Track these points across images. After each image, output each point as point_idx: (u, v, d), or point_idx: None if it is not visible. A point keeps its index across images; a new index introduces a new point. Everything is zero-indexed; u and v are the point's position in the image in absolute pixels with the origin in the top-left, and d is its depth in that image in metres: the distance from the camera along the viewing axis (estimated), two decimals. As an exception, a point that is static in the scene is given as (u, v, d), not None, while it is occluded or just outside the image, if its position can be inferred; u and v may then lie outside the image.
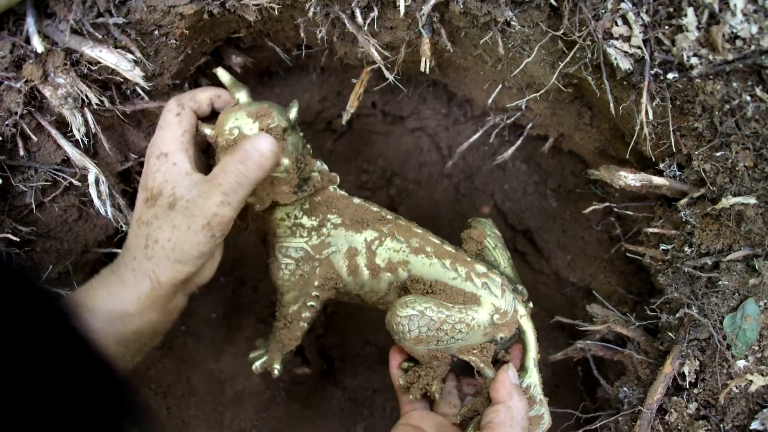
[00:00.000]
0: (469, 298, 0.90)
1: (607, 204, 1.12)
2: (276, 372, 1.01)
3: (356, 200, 0.97)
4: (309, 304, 0.98)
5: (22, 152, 0.98)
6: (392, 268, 0.94)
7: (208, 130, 0.90)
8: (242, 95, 0.91)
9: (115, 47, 0.93)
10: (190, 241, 0.84)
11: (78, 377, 0.44)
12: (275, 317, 1.01)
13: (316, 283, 0.96)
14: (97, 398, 0.45)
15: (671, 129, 0.93)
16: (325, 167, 0.96)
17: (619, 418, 1.02)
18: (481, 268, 0.92)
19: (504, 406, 0.88)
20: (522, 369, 0.96)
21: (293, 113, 0.91)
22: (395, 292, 0.95)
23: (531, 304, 0.98)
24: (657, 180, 0.99)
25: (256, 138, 0.83)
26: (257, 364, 1.03)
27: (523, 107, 1.12)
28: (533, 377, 0.95)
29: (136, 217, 0.89)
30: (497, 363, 0.96)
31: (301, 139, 0.92)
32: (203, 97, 0.94)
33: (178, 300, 0.92)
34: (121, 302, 0.87)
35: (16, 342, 0.40)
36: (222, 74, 0.93)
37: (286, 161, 0.87)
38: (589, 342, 1.09)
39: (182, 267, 0.85)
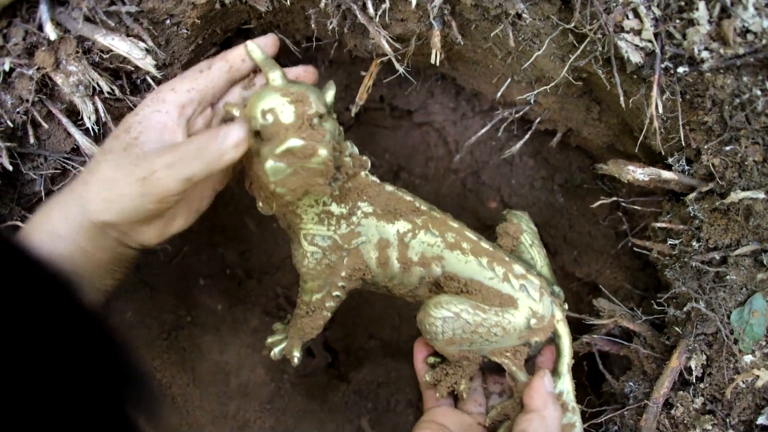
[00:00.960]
0: (506, 301, 0.87)
1: (615, 199, 1.12)
2: (296, 360, 0.99)
3: (389, 187, 0.92)
4: (334, 294, 0.94)
5: (32, 140, 0.98)
6: (425, 263, 0.90)
7: (236, 111, 0.83)
8: (276, 75, 0.83)
9: (127, 35, 0.94)
10: (121, 188, 0.80)
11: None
12: (297, 304, 0.98)
13: (343, 274, 0.92)
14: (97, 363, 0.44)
15: (681, 123, 0.93)
16: (356, 150, 0.92)
17: (625, 413, 1.02)
18: (519, 268, 0.89)
19: (538, 415, 0.86)
20: (555, 374, 0.93)
21: (330, 96, 0.85)
22: (426, 287, 0.92)
23: (566, 306, 0.96)
24: (665, 174, 0.99)
25: (230, 132, 0.79)
26: (276, 350, 1.00)
27: (532, 101, 1.12)
28: (566, 383, 0.93)
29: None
30: (528, 362, 0.94)
31: (337, 124, 0.85)
32: (235, 54, 0.90)
33: (112, 240, 0.86)
34: (52, 218, 0.84)
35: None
36: (253, 49, 0.88)
37: (323, 152, 0.77)
38: (595, 336, 1.09)
39: (109, 206, 0.81)
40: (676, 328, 0.99)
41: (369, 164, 0.91)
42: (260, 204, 0.92)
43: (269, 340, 1.02)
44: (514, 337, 0.88)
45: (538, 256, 0.96)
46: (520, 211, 1.01)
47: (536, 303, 0.88)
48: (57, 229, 0.83)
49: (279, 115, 0.78)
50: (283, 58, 1.30)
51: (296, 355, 0.99)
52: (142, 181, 0.79)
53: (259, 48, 0.87)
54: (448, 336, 0.86)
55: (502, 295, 0.88)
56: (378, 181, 0.92)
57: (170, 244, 1.32)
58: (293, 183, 0.80)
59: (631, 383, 1.05)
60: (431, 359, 0.97)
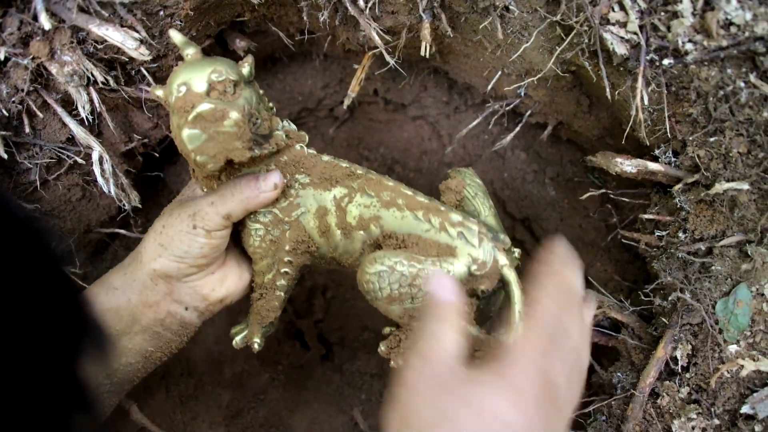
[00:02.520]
0: (443, 250, 0.84)
1: (604, 191, 1.13)
2: (256, 346, 0.99)
3: (325, 157, 0.92)
4: (282, 270, 0.94)
5: (27, 129, 1.00)
6: (364, 225, 0.89)
7: (159, 92, 0.85)
8: (191, 51, 0.85)
9: (121, 26, 0.95)
10: (175, 227, 0.89)
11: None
12: (252, 289, 0.99)
13: (287, 248, 0.93)
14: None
15: (666, 115, 0.94)
16: (293, 127, 0.92)
17: (612, 402, 1.03)
18: (456, 217, 0.86)
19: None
20: (506, 324, 0.87)
21: (246, 69, 0.85)
22: (369, 251, 0.90)
23: (517, 253, 0.91)
24: (652, 166, 1.00)
25: (271, 174, 0.88)
26: (237, 338, 1.01)
27: (522, 94, 1.13)
28: (520, 332, 0.84)
29: None
30: (487, 322, 0.92)
31: (260, 95, 0.87)
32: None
33: (162, 295, 0.93)
34: (112, 274, 0.94)
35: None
36: (174, 34, 0.87)
37: (234, 114, 0.78)
38: (583, 327, 1.10)
39: (162, 251, 0.90)
40: (663, 319, 1.00)
41: (306, 138, 0.92)
42: (201, 186, 0.94)
43: (232, 330, 1.03)
44: None
45: (482, 206, 0.93)
46: (465, 167, 0.99)
47: (475, 249, 0.84)
48: (113, 282, 0.93)
49: (191, 86, 0.80)
50: (277, 51, 1.31)
51: (257, 341, 0.99)
52: (191, 217, 0.88)
53: (179, 35, 0.88)
54: (386, 292, 0.84)
55: (440, 245, 0.85)
56: (315, 152, 0.92)
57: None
58: (211, 149, 0.80)
59: (619, 374, 1.05)
60: (386, 329, 0.95)
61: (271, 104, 0.90)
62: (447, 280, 0.71)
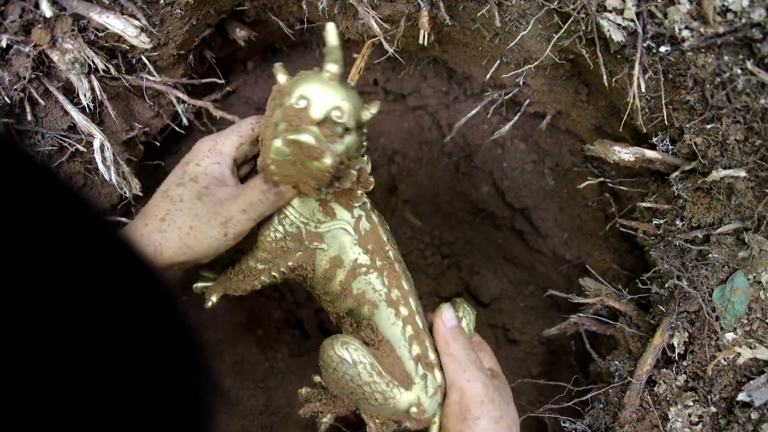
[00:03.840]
0: (403, 378, 0.89)
1: (602, 179, 1.14)
2: (209, 303, 1.00)
3: (374, 218, 0.94)
4: (272, 274, 0.95)
5: (29, 117, 1.00)
6: (361, 302, 0.92)
7: (282, 78, 0.84)
8: (333, 69, 0.78)
9: (122, 14, 0.96)
10: (205, 232, 0.89)
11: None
12: (240, 258, 1.00)
13: (290, 264, 0.93)
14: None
15: (664, 102, 0.94)
16: (368, 167, 0.90)
17: (610, 390, 1.03)
18: (432, 357, 0.91)
19: (449, 357, 0.90)
20: None
21: (367, 115, 0.83)
22: (349, 318, 0.94)
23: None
24: (650, 154, 1.00)
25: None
26: (199, 284, 1.03)
27: (521, 83, 1.13)
28: None
29: (163, 189, 0.94)
30: None
31: (361, 141, 0.85)
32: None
33: (171, 273, 0.94)
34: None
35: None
36: (330, 31, 0.78)
37: (328, 162, 0.77)
38: (582, 315, 1.11)
39: (188, 251, 0.90)
40: (660, 307, 1.00)
41: (371, 186, 0.91)
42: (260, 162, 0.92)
43: (201, 273, 1.05)
44: (390, 411, 0.90)
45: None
46: (458, 298, 1.03)
47: (426, 397, 0.89)
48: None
49: (310, 107, 0.77)
50: (278, 41, 1.32)
51: (213, 299, 1.00)
52: (224, 225, 0.89)
53: (336, 34, 0.81)
54: (336, 376, 0.88)
55: (404, 372, 0.89)
56: (369, 206, 0.93)
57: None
58: (288, 171, 0.82)
59: (616, 362, 1.06)
60: (317, 378, 0.99)
61: (365, 144, 0.88)
62: (449, 311, 0.94)
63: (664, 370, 0.98)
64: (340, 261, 0.92)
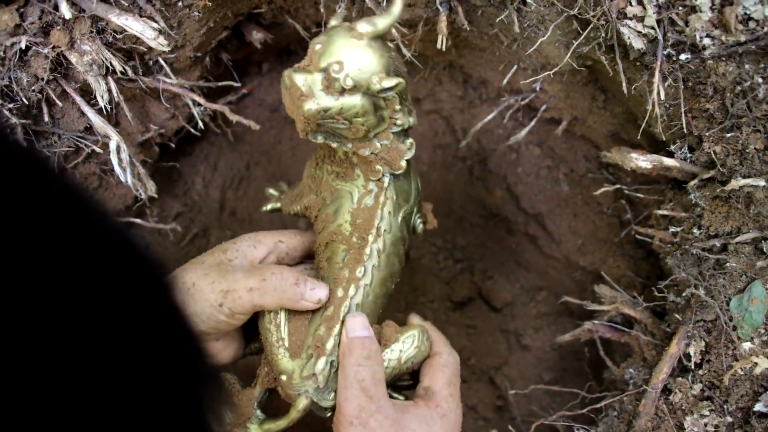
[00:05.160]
0: (295, 348, 0.89)
1: (618, 186, 1.13)
2: (263, 208, 1.06)
3: (383, 199, 0.91)
4: (296, 206, 0.99)
5: (46, 118, 1.01)
6: (325, 265, 0.92)
7: (335, 20, 0.82)
8: (364, 25, 0.77)
9: (140, 16, 0.96)
10: (203, 294, 0.87)
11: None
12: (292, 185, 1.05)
13: (304, 202, 0.96)
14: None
15: (683, 110, 0.94)
16: (408, 151, 0.88)
17: (624, 398, 1.03)
18: (329, 347, 0.87)
19: (342, 372, 0.86)
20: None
21: (377, 85, 0.78)
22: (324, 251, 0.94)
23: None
24: (668, 161, 1.00)
25: (319, 289, 0.87)
26: (268, 207, 1.07)
27: (538, 89, 1.13)
28: None
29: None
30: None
31: (372, 110, 0.81)
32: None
33: None
34: None
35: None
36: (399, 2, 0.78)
37: (305, 107, 0.78)
38: (596, 322, 1.10)
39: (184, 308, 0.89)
40: (676, 315, 1.00)
41: (398, 170, 0.88)
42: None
43: (268, 193, 1.09)
44: (271, 366, 0.91)
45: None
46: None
47: (299, 376, 0.87)
48: None
49: (322, 53, 0.78)
50: (293, 44, 1.32)
51: (268, 207, 1.06)
52: (224, 293, 0.86)
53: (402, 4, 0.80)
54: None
55: (299, 341, 0.89)
56: (386, 185, 0.90)
57: (179, 224, 1.35)
58: (287, 103, 0.83)
59: (631, 370, 1.05)
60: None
61: (399, 119, 0.84)
62: (359, 319, 0.87)
63: (680, 378, 0.97)
64: (332, 219, 0.92)
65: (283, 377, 0.88)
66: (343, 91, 0.78)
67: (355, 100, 0.79)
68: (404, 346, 0.91)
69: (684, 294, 0.98)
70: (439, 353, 0.92)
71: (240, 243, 0.95)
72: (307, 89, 0.77)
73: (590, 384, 1.13)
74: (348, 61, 0.76)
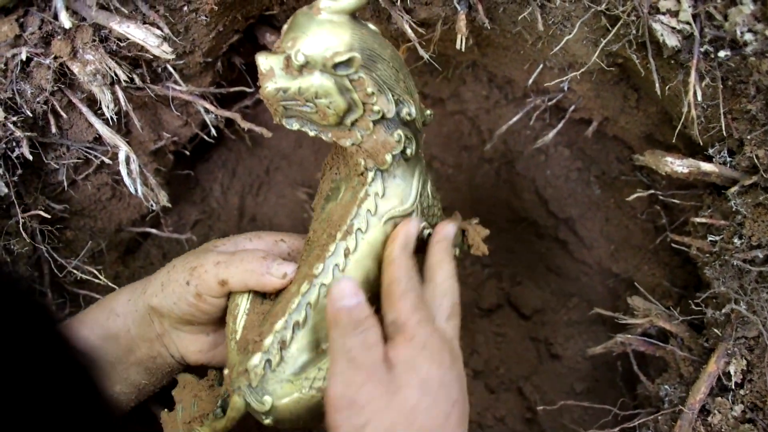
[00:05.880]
0: (245, 342, 0.82)
1: (653, 192, 1.07)
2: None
3: (362, 196, 0.83)
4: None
5: (54, 129, 0.98)
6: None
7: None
8: (323, 0, 0.74)
9: (144, 23, 0.92)
10: (177, 272, 0.86)
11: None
12: None
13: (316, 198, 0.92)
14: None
15: (722, 111, 0.87)
16: (389, 139, 0.79)
17: (659, 417, 0.97)
18: (266, 344, 0.79)
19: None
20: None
21: (333, 58, 0.73)
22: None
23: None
24: (705, 166, 0.93)
25: (286, 264, 0.83)
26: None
27: (565, 88, 1.07)
28: None
29: None
30: None
31: (340, 90, 0.75)
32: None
33: (155, 336, 0.90)
34: (117, 297, 0.92)
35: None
36: None
37: (264, 88, 0.75)
38: (629, 336, 1.05)
39: (159, 291, 0.87)
40: (716, 330, 0.94)
41: (384, 166, 0.81)
42: None
43: None
44: None
45: None
46: None
47: (235, 371, 0.81)
48: (116, 308, 0.90)
49: (286, 28, 0.76)
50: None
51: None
52: (191, 270, 0.84)
53: None
54: None
55: (250, 336, 0.82)
56: (368, 183, 0.82)
57: (198, 233, 1.32)
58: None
59: (666, 386, 1.00)
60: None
61: (377, 105, 0.77)
62: (346, 284, 0.72)
63: (720, 398, 0.91)
64: (318, 215, 0.88)
65: (226, 371, 0.83)
66: (301, 70, 0.74)
67: (313, 79, 0.75)
68: None
69: (724, 309, 0.92)
70: (395, 279, 0.77)
71: (238, 236, 0.92)
72: (268, 69, 0.75)
73: (623, 400, 1.08)
74: (301, 36, 0.73)
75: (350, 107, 0.77)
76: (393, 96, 0.78)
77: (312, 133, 0.81)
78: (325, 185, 0.90)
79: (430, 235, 0.86)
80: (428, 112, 0.86)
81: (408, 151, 0.81)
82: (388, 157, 0.80)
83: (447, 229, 0.84)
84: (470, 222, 0.94)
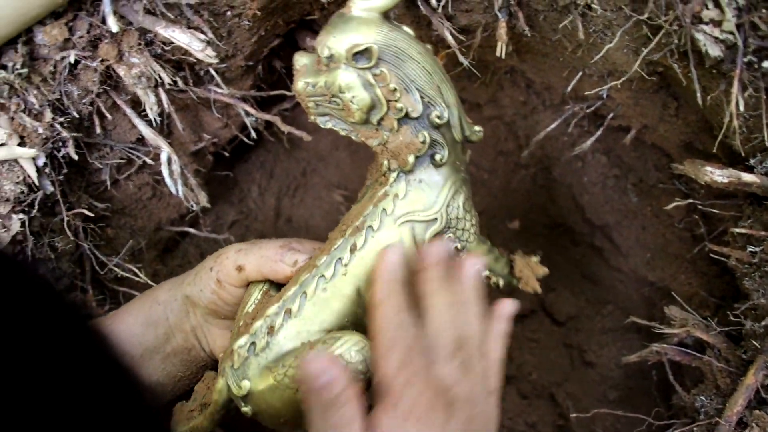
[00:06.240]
0: (245, 324, 0.81)
1: (691, 201, 1.06)
2: None
3: (380, 196, 0.81)
4: None
5: (98, 130, 1.01)
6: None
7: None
8: (376, 2, 0.75)
9: (188, 27, 0.94)
10: (205, 264, 0.88)
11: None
12: None
13: None
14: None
15: (764, 122, 0.86)
16: (414, 139, 0.77)
17: (694, 428, 0.96)
18: (256, 326, 0.79)
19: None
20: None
21: (352, 47, 0.73)
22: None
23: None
24: (746, 177, 0.92)
25: (297, 253, 0.83)
26: None
27: (605, 96, 1.06)
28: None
29: None
30: None
31: (362, 86, 0.75)
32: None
33: (189, 328, 0.91)
34: (162, 286, 0.93)
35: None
36: None
37: (297, 85, 0.78)
38: (665, 346, 1.04)
39: (193, 279, 0.88)
40: (754, 342, 0.93)
41: (407, 166, 0.79)
42: None
43: None
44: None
45: None
46: None
47: (225, 354, 0.81)
48: (159, 296, 0.91)
49: (323, 28, 0.77)
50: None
51: None
52: (216, 257, 0.87)
53: None
54: None
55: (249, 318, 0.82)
56: (391, 184, 0.81)
57: (235, 233, 1.34)
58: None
59: (702, 397, 0.99)
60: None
61: (400, 102, 0.76)
62: (318, 363, 0.65)
63: (758, 411, 0.90)
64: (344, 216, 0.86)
65: (220, 354, 0.84)
66: (327, 64, 0.75)
67: (337, 73, 0.75)
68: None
69: (764, 321, 0.91)
70: (381, 330, 0.69)
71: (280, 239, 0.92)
72: (302, 66, 0.77)
73: (657, 409, 1.06)
74: (330, 32, 0.75)
75: (374, 103, 0.76)
76: (422, 96, 0.77)
77: (343, 132, 0.81)
78: (361, 192, 0.90)
79: (457, 249, 0.83)
80: (477, 128, 0.85)
81: (437, 157, 0.79)
82: (411, 158, 0.78)
83: (437, 250, 0.74)
84: (530, 258, 0.93)
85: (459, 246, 0.84)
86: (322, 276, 0.79)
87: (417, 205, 0.81)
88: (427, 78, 0.77)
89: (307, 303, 0.79)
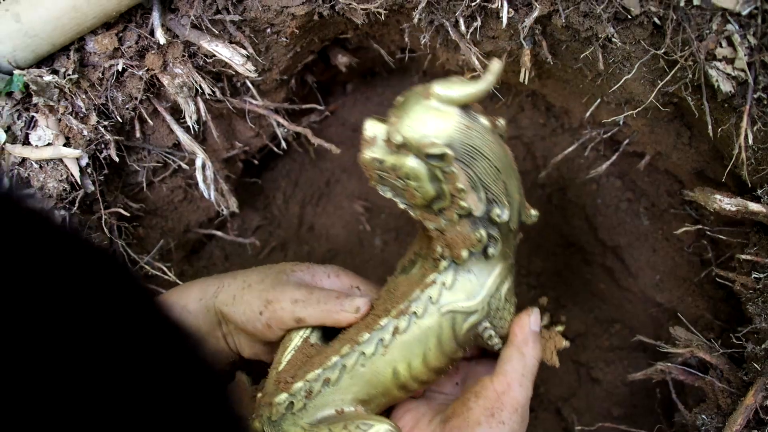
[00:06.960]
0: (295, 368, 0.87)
1: (700, 227, 1.10)
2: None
3: (425, 277, 0.84)
4: None
5: (138, 134, 1.06)
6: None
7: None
8: (436, 87, 0.72)
9: (230, 42, 1.00)
10: (250, 297, 0.89)
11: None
12: None
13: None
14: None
15: (772, 155, 0.90)
16: (471, 235, 0.79)
17: (695, 446, 1.00)
18: (290, 383, 0.85)
19: (518, 352, 0.86)
20: None
21: (435, 149, 0.71)
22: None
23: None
24: (753, 206, 0.96)
25: (358, 299, 0.86)
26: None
27: (621, 123, 1.11)
28: None
29: None
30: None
31: (426, 177, 0.75)
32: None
33: (220, 335, 0.95)
34: (189, 293, 0.96)
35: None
36: (494, 68, 0.74)
37: (363, 156, 0.76)
38: (670, 364, 1.07)
39: (230, 304, 0.91)
40: (755, 365, 0.96)
41: (456, 257, 0.81)
42: None
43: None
44: None
45: None
46: None
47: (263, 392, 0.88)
48: (188, 305, 0.94)
49: (398, 103, 0.75)
50: (378, 66, 1.34)
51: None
52: (266, 303, 0.88)
53: (496, 73, 0.74)
54: None
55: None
56: (439, 274, 0.83)
57: (258, 238, 1.39)
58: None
59: (704, 416, 1.02)
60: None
61: (465, 201, 0.76)
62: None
63: (756, 431, 0.94)
64: (390, 284, 0.89)
65: (259, 395, 0.88)
66: (399, 148, 0.73)
67: (407, 161, 0.74)
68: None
69: (764, 345, 0.94)
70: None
71: (317, 266, 0.96)
72: (371, 137, 0.75)
73: (660, 426, 1.10)
74: (404, 117, 0.72)
75: (438, 196, 0.76)
76: (487, 195, 0.77)
77: (402, 206, 0.81)
78: (409, 253, 0.91)
79: (490, 337, 0.87)
80: (533, 212, 0.85)
81: (490, 251, 0.81)
82: (465, 253, 0.80)
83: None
84: (554, 329, 0.96)
85: (493, 333, 0.87)
86: (363, 353, 0.83)
87: (461, 294, 0.83)
88: (495, 175, 0.77)
89: (345, 375, 0.84)
